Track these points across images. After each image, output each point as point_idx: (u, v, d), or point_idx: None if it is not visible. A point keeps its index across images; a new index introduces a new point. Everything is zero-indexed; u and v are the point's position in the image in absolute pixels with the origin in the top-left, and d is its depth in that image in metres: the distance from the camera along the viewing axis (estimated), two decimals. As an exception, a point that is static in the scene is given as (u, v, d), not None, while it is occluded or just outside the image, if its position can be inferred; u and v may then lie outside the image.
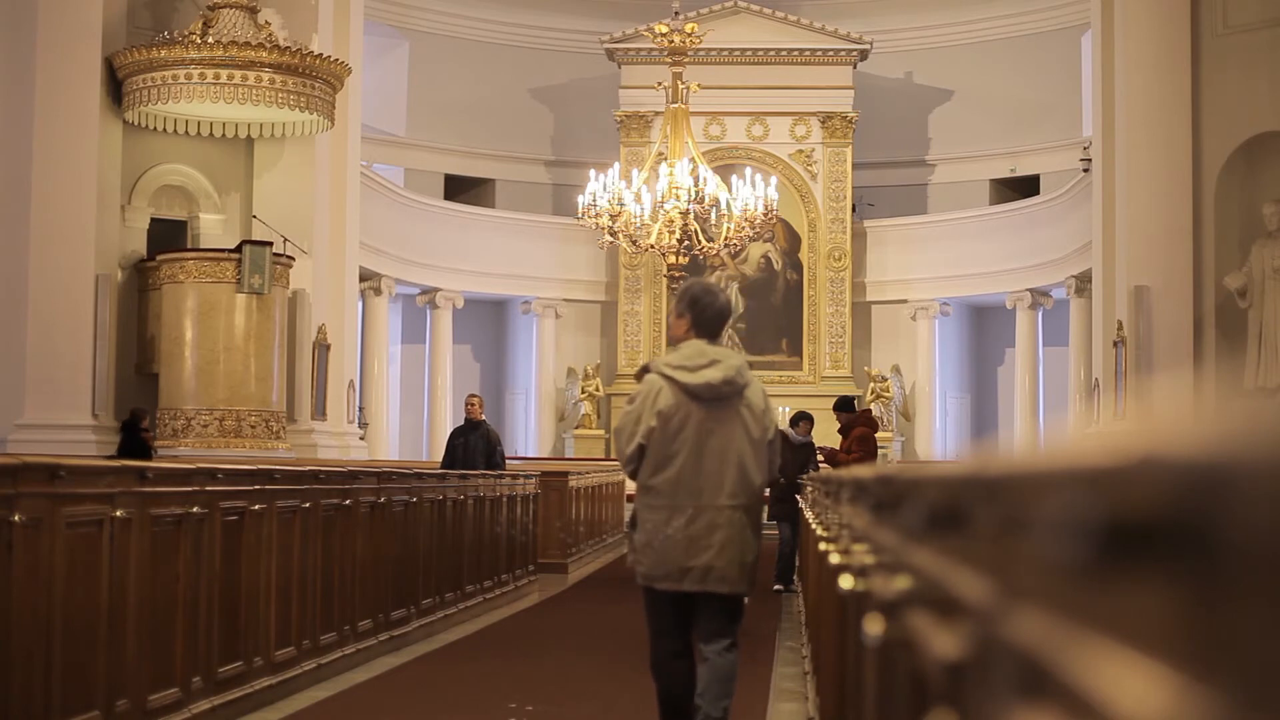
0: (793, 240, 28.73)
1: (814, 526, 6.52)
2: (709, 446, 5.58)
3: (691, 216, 19.91)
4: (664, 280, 25.60)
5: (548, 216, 29.40)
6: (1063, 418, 26.17)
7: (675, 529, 5.56)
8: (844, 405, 14.08)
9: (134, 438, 15.02)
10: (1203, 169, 18.97)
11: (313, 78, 17.91)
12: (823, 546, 4.32)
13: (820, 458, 13.66)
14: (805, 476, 11.97)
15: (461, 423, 14.32)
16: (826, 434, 15.98)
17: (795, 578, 12.96)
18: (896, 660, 1.92)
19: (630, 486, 8.25)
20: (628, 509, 10.68)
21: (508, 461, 15.16)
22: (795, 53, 28.49)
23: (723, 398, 5.60)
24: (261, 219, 18.69)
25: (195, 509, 6.36)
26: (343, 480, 8.61)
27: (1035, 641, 0.90)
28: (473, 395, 14.56)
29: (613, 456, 26.88)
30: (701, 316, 5.66)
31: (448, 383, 27.91)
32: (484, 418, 14.14)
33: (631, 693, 8.08)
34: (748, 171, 20.98)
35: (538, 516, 14.59)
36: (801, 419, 13.74)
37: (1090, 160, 22.57)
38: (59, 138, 17.46)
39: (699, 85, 20.72)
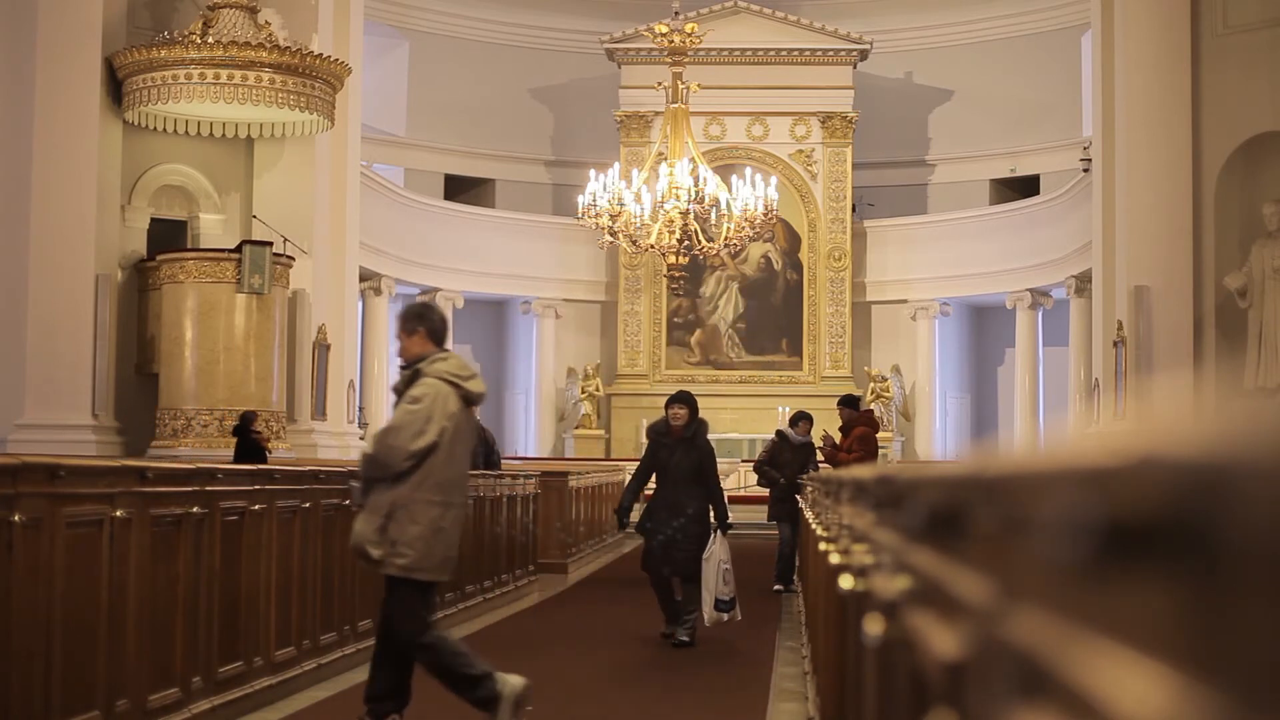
0: (793, 240, 28.73)
1: (814, 526, 6.52)
2: (466, 447, 6.29)
3: (691, 216, 19.88)
4: (664, 280, 25.60)
5: (548, 216, 29.41)
6: (1063, 418, 26.17)
7: (449, 522, 6.14)
8: (848, 401, 14.06)
9: (248, 440, 15.06)
10: (1203, 169, 18.97)
11: (313, 78, 17.91)
12: (823, 546, 4.32)
13: (820, 458, 13.64)
14: (805, 476, 11.97)
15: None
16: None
17: (795, 578, 12.96)
18: (896, 660, 1.92)
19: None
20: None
21: (504, 461, 15.14)
22: (795, 53, 28.50)
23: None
24: (261, 219, 18.69)
25: (195, 509, 6.36)
26: (343, 480, 8.60)
27: (1035, 641, 0.90)
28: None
29: (612, 457, 26.88)
30: (433, 328, 6.27)
31: (448, 383, 27.86)
32: (479, 418, 14.11)
33: (633, 693, 8.10)
34: (748, 171, 20.96)
35: (537, 516, 14.57)
36: (801, 419, 13.72)
37: (1090, 160, 22.57)
38: (59, 138, 17.45)
39: (699, 85, 20.70)
